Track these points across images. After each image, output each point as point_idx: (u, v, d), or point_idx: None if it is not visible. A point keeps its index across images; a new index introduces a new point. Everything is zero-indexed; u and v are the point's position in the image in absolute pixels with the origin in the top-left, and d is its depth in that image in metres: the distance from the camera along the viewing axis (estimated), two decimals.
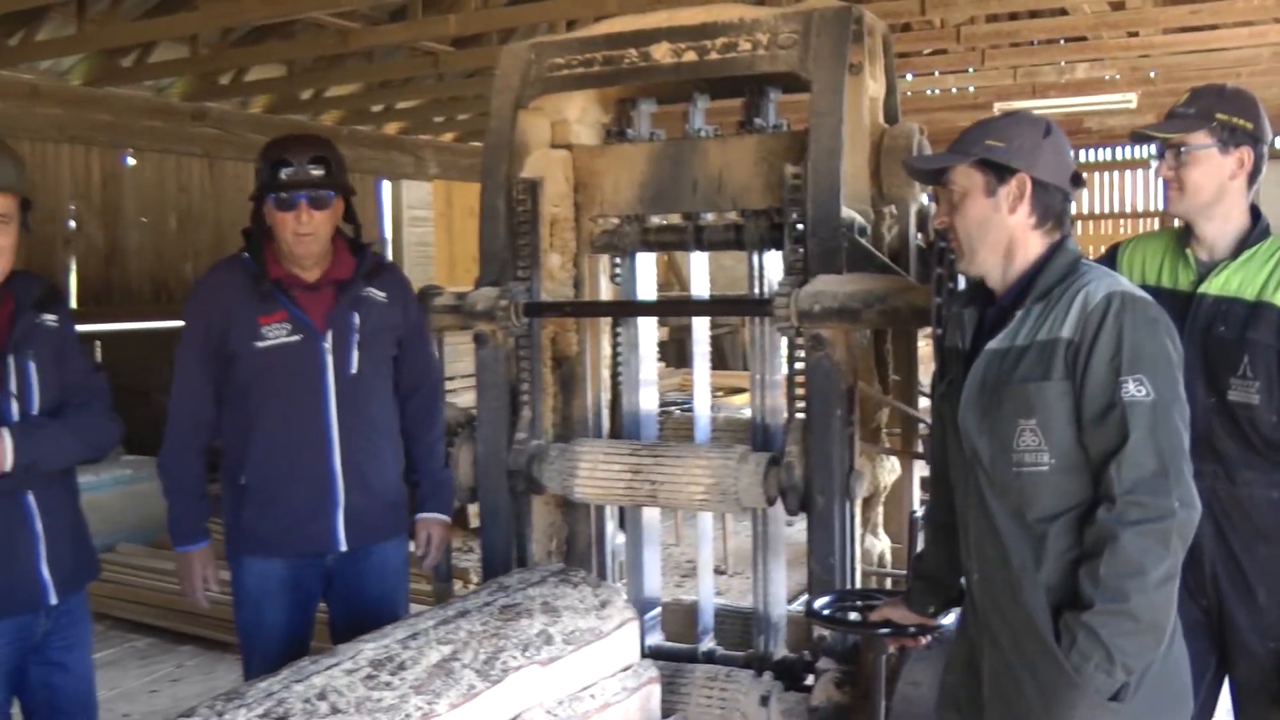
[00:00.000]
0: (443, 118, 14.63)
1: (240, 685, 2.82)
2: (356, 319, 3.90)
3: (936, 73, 11.94)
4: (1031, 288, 2.68)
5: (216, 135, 12.70)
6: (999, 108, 12.18)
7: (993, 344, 2.68)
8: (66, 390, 3.61)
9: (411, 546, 4.12)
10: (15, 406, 3.46)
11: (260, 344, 3.83)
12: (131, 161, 12.18)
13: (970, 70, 11.37)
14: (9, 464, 3.39)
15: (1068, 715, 2.53)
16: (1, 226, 3.43)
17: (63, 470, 3.65)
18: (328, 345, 3.86)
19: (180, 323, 4.10)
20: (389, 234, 15.80)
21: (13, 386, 3.47)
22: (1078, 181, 2.76)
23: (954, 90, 12.85)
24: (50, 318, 3.60)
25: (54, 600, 3.57)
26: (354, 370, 3.90)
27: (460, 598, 3.46)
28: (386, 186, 15.73)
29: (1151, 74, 11.29)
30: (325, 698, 2.69)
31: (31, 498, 3.52)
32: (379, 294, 3.96)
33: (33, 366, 3.51)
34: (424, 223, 16.29)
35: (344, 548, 3.94)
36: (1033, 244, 2.72)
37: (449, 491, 4.18)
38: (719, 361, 15.19)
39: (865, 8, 3.81)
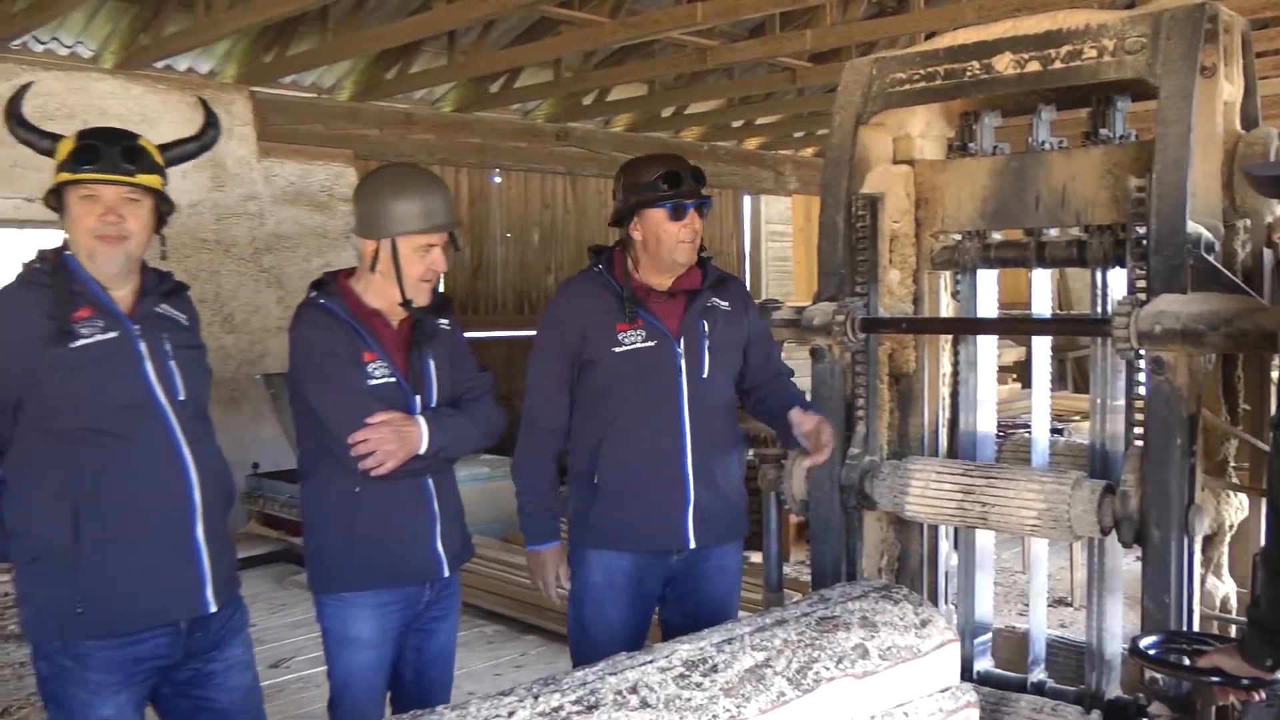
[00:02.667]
0: (802, 133, 14.69)
1: (558, 673, 2.91)
2: (706, 326, 4.13)
3: None
4: None
5: (579, 154, 13.14)
6: None
7: None
8: (458, 386, 3.97)
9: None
10: (419, 400, 3.82)
11: (618, 349, 4.07)
12: (499, 180, 12.71)
13: None
14: (424, 447, 3.73)
15: None
16: (442, 255, 3.83)
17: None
18: (681, 350, 4.09)
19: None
20: (748, 248, 15.95)
21: (418, 381, 3.84)
22: None
23: None
24: (443, 322, 3.96)
25: (446, 574, 3.93)
26: (705, 374, 4.11)
27: (780, 607, 3.47)
28: (747, 201, 15.89)
29: None
30: (636, 691, 2.74)
31: (430, 481, 3.86)
32: (723, 303, 4.20)
33: (432, 364, 3.88)
34: (783, 237, 16.40)
35: (693, 545, 4.13)
36: None
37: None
38: (1082, 384, 14.70)
39: (1222, 3, 3.59)
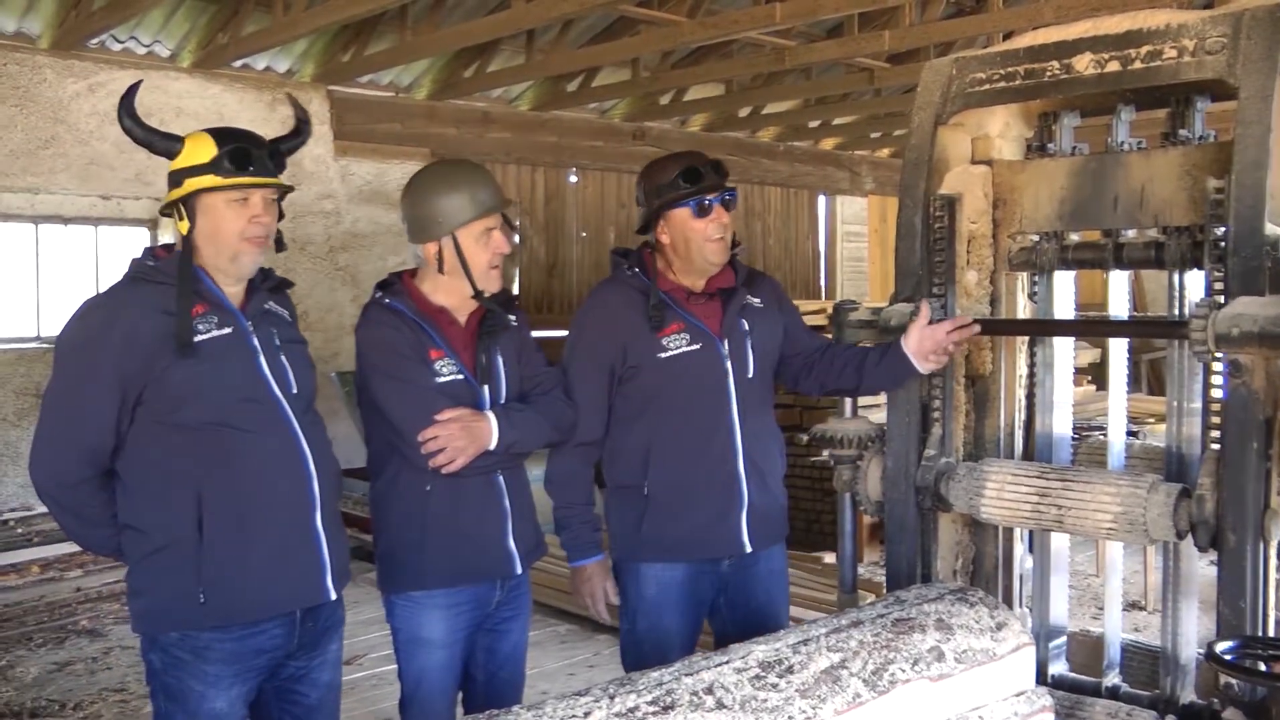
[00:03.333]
0: (879, 133, 14.65)
1: (633, 674, 2.92)
2: (746, 325, 4.08)
3: None
4: None
5: (656, 153, 13.12)
6: None
7: None
8: (526, 382, 3.95)
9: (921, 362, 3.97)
10: (488, 395, 3.82)
11: (663, 354, 4.01)
12: (575, 179, 12.78)
13: None
14: (494, 443, 3.73)
15: None
16: (502, 237, 3.84)
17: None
18: (726, 351, 4.04)
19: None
20: (824, 248, 15.92)
21: (486, 376, 3.83)
22: None
23: None
24: (511, 318, 3.94)
25: (518, 571, 3.93)
26: (751, 374, 4.07)
27: (855, 609, 3.47)
28: (822, 201, 15.85)
29: None
30: (712, 692, 2.74)
31: (501, 478, 3.86)
32: (756, 300, 4.15)
33: (500, 361, 3.87)
34: (858, 238, 16.37)
35: (749, 549, 4.08)
36: None
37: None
38: (1156, 386, 14.57)
39: None
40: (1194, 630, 3.81)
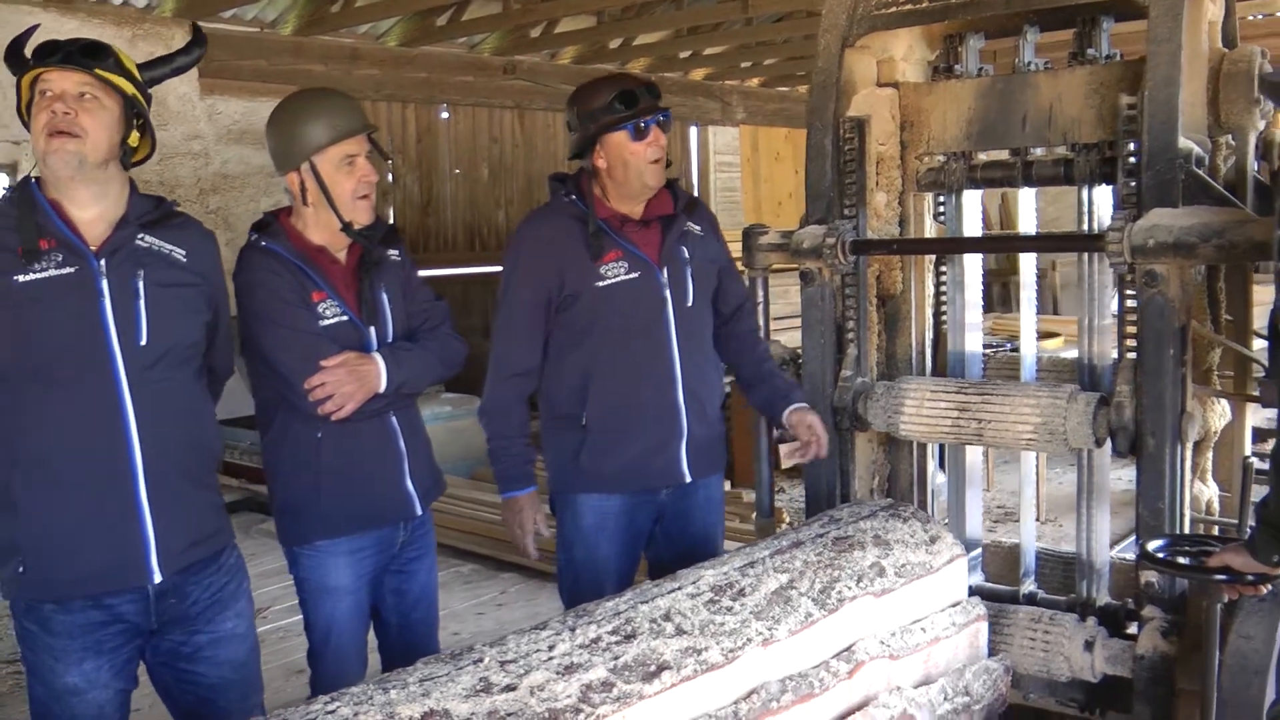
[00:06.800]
0: (750, 63, 14.64)
1: (589, 604, 2.93)
2: (686, 252, 4.00)
3: None
4: None
5: (527, 87, 13.07)
6: None
7: None
8: (413, 317, 3.83)
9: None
10: (374, 335, 3.68)
11: (601, 283, 3.91)
12: (446, 115, 12.64)
13: None
14: (383, 385, 3.61)
15: None
16: (369, 165, 3.66)
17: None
18: (665, 279, 3.96)
19: (494, 269, 4.20)
20: (696, 179, 15.94)
21: (371, 316, 3.69)
22: None
23: None
24: (393, 253, 3.81)
25: (419, 511, 3.82)
26: (690, 302, 4.00)
27: (793, 529, 3.52)
28: (694, 132, 15.85)
29: None
30: (670, 619, 2.77)
31: (394, 418, 3.74)
32: (696, 228, 4.06)
33: (385, 297, 3.73)
34: (731, 168, 16.36)
35: (688, 479, 4.04)
36: None
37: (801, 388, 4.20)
38: (1042, 304, 14.86)
39: None
40: (1108, 535, 3.93)
